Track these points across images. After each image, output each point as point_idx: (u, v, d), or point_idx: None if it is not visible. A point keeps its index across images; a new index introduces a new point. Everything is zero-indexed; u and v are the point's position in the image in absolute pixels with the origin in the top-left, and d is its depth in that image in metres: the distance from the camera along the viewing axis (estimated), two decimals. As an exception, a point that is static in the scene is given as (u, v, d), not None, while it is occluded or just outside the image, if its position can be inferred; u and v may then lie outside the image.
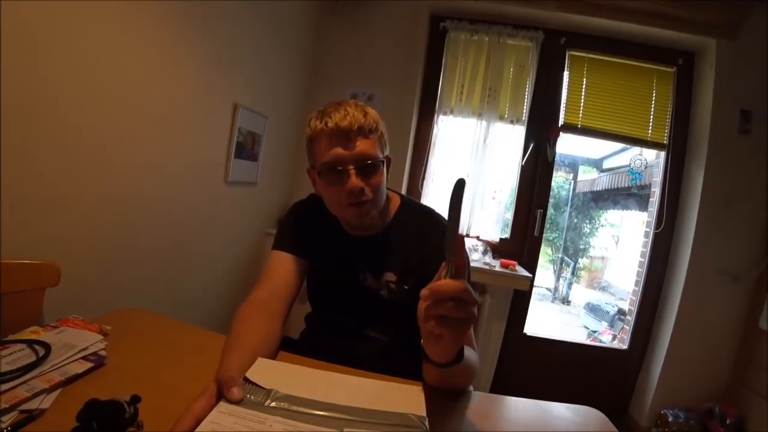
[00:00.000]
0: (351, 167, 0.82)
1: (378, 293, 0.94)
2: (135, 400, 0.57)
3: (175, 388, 0.67)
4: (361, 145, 0.82)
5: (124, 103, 1.22)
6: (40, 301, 0.92)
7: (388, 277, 0.93)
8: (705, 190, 2.08)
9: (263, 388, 0.55)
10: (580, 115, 2.34)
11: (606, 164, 4.01)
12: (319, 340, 1.00)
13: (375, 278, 0.94)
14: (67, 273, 0.97)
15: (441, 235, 0.89)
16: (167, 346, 0.82)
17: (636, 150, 2.42)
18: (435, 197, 2.36)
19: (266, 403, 0.52)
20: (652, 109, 2.30)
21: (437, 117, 2.43)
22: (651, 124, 2.29)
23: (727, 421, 1.98)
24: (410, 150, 2.44)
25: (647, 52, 2.29)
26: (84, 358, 0.67)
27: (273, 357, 0.74)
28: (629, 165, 2.44)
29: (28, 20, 0.93)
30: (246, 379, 0.56)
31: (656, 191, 2.32)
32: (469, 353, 0.75)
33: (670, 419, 2.05)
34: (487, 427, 0.73)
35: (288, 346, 0.82)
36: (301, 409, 0.52)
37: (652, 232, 2.29)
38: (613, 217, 4.10)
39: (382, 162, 0.87)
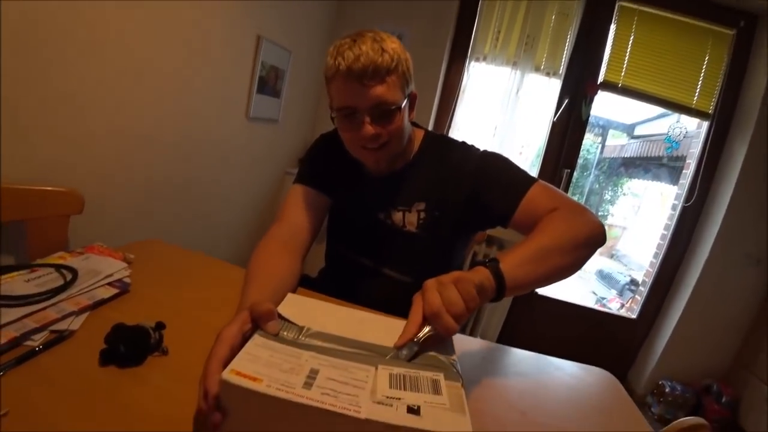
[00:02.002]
0: (366, 114, 0.76)
1: (403, 230, 0.90)
2: (160, 326, 0.58)
3: (197, 317, 0.69)
4: (377, 91, 0.75)
5: (145, 33, 1.18)
6: (65, 228, 0.94)
7: (418, 206, 0.89)
8: (745, 167, 1.97)
9: (296, 324, 0.55)
10: (622, 73, 2.18)
11: (638, 131, 3.82)
12: (338, 280, 1.00)
13: (401, 211, 0.90)
14: (91, 203, 0.98)
15: (465, 157, 0.87)
16: (189, 276, 0.84)
17: (673, 118, 2.27)
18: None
19: (299, 339, 0.52)
20: (702, 74, 2.13)
21: (469, 63, 2.30)
22: (698, 90, 2.13)
23: (723, 399, 2.01)
24: (437, 96, 2.33)
25: (706, 10, 2.07)
26: (109, 284, 0.69)
27: (292, 292, 0.73)
28: (666, 133, 2.30)
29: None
30: (279, 314, 0.56)
31: (692, 163, 2.21)
32: (532, 239, 0.69)
33: (666, 390, 2.09)
34: (502, 377, 0.75)
35: (306, 284, 0.82)
36: (334, 345, 0.52)
37: (680, 205, 2.21)
38: (637, 187, 3.96)
39: (401, 107, 0.79)
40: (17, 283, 0.61)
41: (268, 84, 1.85)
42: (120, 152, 1.19)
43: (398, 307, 0.84)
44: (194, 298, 0.75)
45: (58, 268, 0.67)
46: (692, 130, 2.25)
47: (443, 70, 2.29)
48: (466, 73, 2.31)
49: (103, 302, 0.65)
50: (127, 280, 0.71)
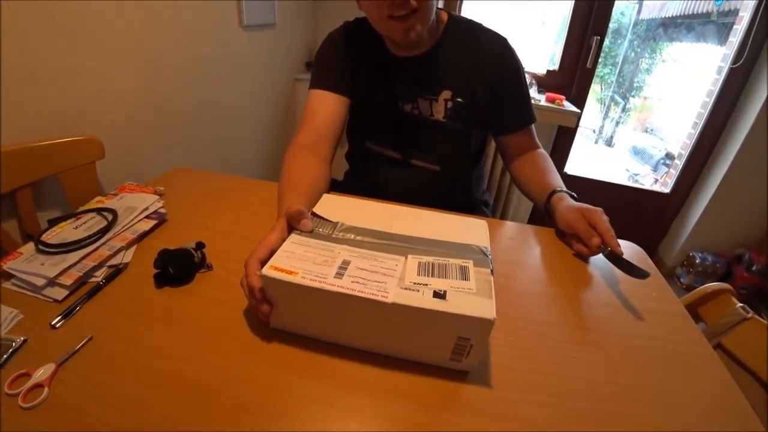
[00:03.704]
0: None
1: (428, 118, 0.91)
2: (200, 245, 0.64)
3: (233, 232, 0.74)
4: None
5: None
6: (94, 174, 0.98)
7: (444, 95, 0.89)
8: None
9: (330, 221, 0.58)
10: None
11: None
12: (366, 176, 1.02)
13: (428, 100, 0.90)
14: (111, 146, 1.00)
15: (491, 50, 0.88)
16: (219, 197, 0.88)
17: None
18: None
19: (333, 234, 0.55)
20: None
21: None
22: None
23: (754, 267, 2.00)
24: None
25: None
26: (147, 217, 0.73)
27: (323, 192, 0.76)
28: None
29: None
30: (313, 214, 0.59)
31: (745, 16, 1.93)
32: (556, 175, 0.89)
33: (697, 260, 2.11)
34: (527, 252, 0.79)
35: (333, 188, 0.84)
36: (367, 238, 0.55)
37: (727, 67, 1.99)
38: (678, 52, 3.55)
39: None
40: (68, 231, 0.66)
41: (259, -16, 1.69)
42: (124, 89, 1.16)
43: (428, 195, 0.87)
44: (227, 216, 0.80)
45: (99, 211, 0.72)
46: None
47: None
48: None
49: (145, 234, 0.70)
50: (162, 210, 0.76)
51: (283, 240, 0.53)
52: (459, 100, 0.88)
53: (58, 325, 0.51)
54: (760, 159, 1.94)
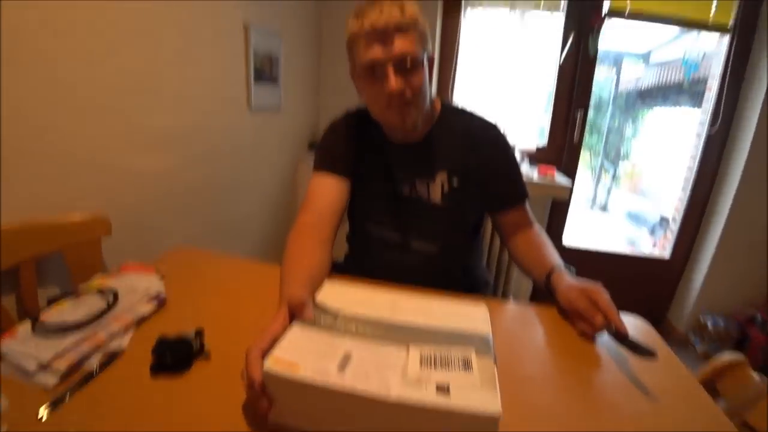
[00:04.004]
0: (389, 67, 0.79)
1: (426, 201, 0.95)
2: (199, 333, 0.62)
3: (233, 318, 0.73)
4: (399, 44, 0.78)
5: (135, 41, 1.18)
6: (99, 251, 1.00)
7: (440, 177, 0.93)
8: (772, 81, 1.84)
9: (332, 310, 0.58)
10: (630, -2, 2.04)
11: (654, 57, 3.60)
12: (365, 258, 1.04)
13: (425, 183, 0.94)
14: (117, 222, 1.02)
15: (483, 128, 0.95)
16: (220, 279, 0.88)
17: (690, 39, 2.13)
18: (465, 101, 2.23)
19: (335, 325, 0.55)
20: (717, -15, 1.97)
21: (464, 11, 2.20)
22: (714, 2, 1.97)
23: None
24: (437, 51, 2.24)
25: None
26: (148, 299, 0.73)
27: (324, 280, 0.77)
28: (683, 56, 2.17)
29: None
30: (315, 303, 0.60)
31: (714, 84, 2.09)
32: (554, 252, 0.92)
33: (709, 325, 2.05)
34: (531, 334, 0.77)
35: (334, 269, 0.84)
36: (369, 328, 0.55)
37: (705, 132, 2.11)
38: (659, 118, 3.78)
39: (422, 62, 0.83)
40: (67, 311, 0.65)
41: (264, 72, 1.83)
42: (132, 166, 1.22)
43: (428, 277, 0.87)
44: (227, 300, 0.79)
45: (100, 291, 0.72)
46: (711, 50, 2.11)
47: (439, 24, 2.20)
48: (463, 21, 2.20)
49: (144, 318, 0.70)
50: (163, 293, 0.76)
51: (285, 329, 0.53)
52: (455, 182, 0.93)
53: (44, 419, 0.49)
54: (753, 217, 1.98)
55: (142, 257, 0.90)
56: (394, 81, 0.79)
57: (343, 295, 0.63)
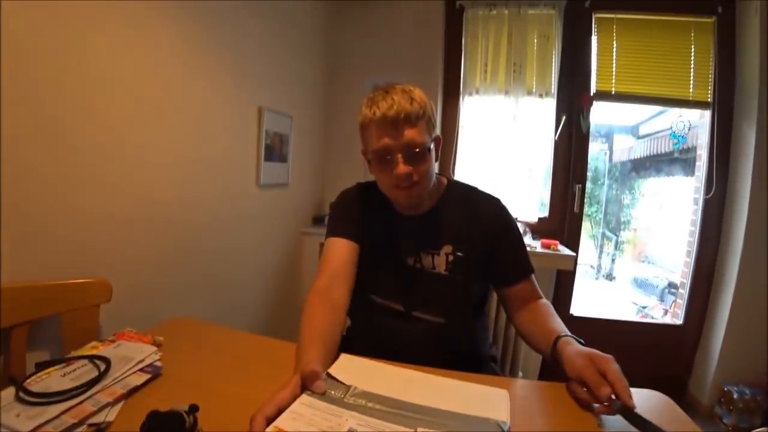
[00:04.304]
0: (399, 155, 0.85)
1: (430, 272, 0.96)
2: (193, 409, 0.58)
3: (229, 394, 0.69)
4: (408, 134, 0.85)
5: (154, 118, 1.26)
6: (96, 317, 0.97)
7: (446, 249, 0.96)
8: (758, 149, 1.92)
9: (344, 383, 0.58)
10: (613, 81, 2.21)
11: (643, 130, 3.80)
12: (370, 330, 1.02)
13: (430, 254, 0.96)
14: (116, 286, 1.01)
15: (487, 203, 0.99)
16: (217, 353, 0.85)
17: (676, 112, 2.26)
18: (467, 177, 2.31)
19: (345, 399, 0.54)
20: (693, 66, 2.14)
21: (462, 99, 2.37)
22: (692, 81, 2.14)
23: None
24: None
25: (681, 3, 2.12)
26: (141, 369, 0.70)
27: (339, 345, 0.76)
28: (670, 128, 2.28)
29: (61, 40, 0.96)
30: (328, 375, 0.59)
31: (703, 154, 2.17)
32: (560, 322, 0.86)
33: (735, 396, 1.93)
34: (542, 415, 0.71)
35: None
36: (378, 406, 0.53)
37: (701, 198, 2.15)
38: (655, 186, 3.88)
39: (429, 149, 0.89)
40: (54, 379, 0.62)
41: (275, 150, 1.93)
42: (139, 231, 1.24)
43: (432, 348, 0.84)
44: (225, 374, 0.75)
45: (91, 359, 0.69)
46: (696, 120, 2.23)
47: (439, 111, 2.37)
48: (461, 108, 2.37)
49: (136, 389, 0.66)
50: (158, 363, 0.72)
51: (294, 398, 0.52)
52: (459, 254, 0.95)
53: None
54: (762, 280, 1.94)
55: (140, 325, 0.88)
56: (402, 167, 0.85)
57: (358, 369, 0.62)
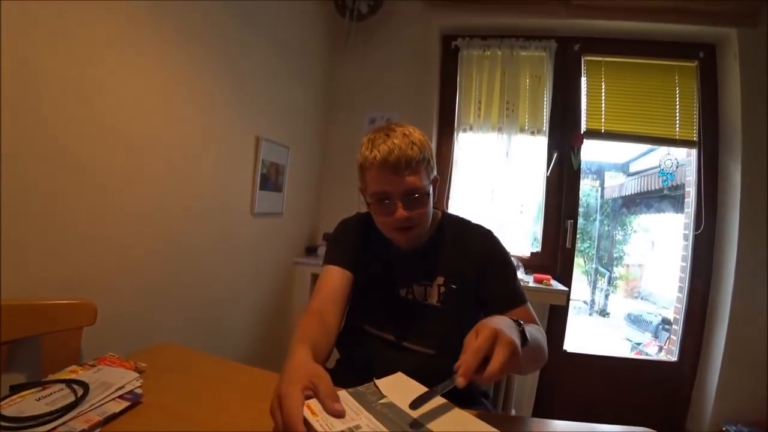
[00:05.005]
0: (398, 200, 0.87)
1: (422, 303, 0.97)
2: (172, 437, 0.56)
3: (210, 424, 0.66)
4: (408, 179, 0.86)
5: (152, 142, 1.27)
6: (78, 340, 0.95)
7: (438, 281, 0.97)
8: (744, 185, 1.97)
9: (380, 392, 0.62)
10: (603, 120, 2.29)
11: (633, 167, 3.89)
12: (359, 358, 1.02)
13: (423, 286, 0.98)
14: (102, 310, 0.99)
15: (477, 240, 0.98)
16: (202, 381, 0.82)
17: (664, 150, 2.33)
18: (460, 211, 2.32)
19: (373, 403, 0.59)
20: (678, 106, 2.22)
21: (457, 135, 2.43)
22: (678, 121, 2.21)
23: None
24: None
25: (665, 48, 2.24)
26: (121, 396, 0.67)
27: (325, 363, 0.79)
28: (659, 166, 2.34)
29: (63, 59, 0.98)
30: (375, 383, 0.65)
31: (691, 191, 2.22)
32: (533, 330, 0.78)
33: (733, 435, 1.89)
34: None
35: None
36: (394, 417, 0.56)
37: (691, 234, 2.18)
38: (646, 222, 3.94)
39: (428, 193, 0.91)
40: (28, 403, 0.60)
41: (270, 180, 1.94)
42: (130, 256, 1.22)
43: (422, 380, 0.81)
44: (208, 404, 0.73)
45: (69, 383, 0.66)
46: (683, 159, 2.30)
47: (434, 145, 2.41)
48: (455, 144, 2.43)
49: (114, 416, 0.63)
50: (139, 390, 0.70)
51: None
52: (452, 285, 0.96)
53: None
54: (755, 314, 1.95)
55: (126, 350, 0.85)
56: (401, 212, 0.87)
57: (404, 389, 0.64)
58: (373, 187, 0.89)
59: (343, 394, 0.59)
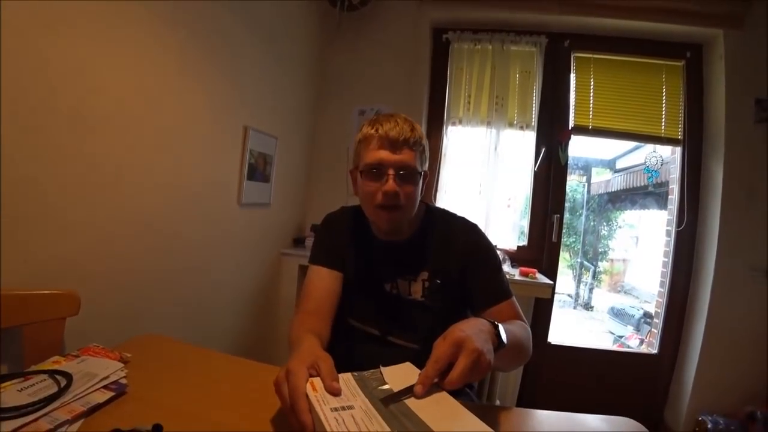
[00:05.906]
0: (391, 171, 0.88)
1: (406, 298, 0.98)
2: (157, 429, 0.56)
3: (196, 415, 0.66)
4: (405, 155, 0.89)
5: (138, 131, 1.25)
6: (61, 331, 0.93)
7: (423, 276, 0.98)
8: (726, 184, 2.02)
9: (383, 379, 0.63)
10: (590, 116, 2.31)
11: (619, 164, 3.95)
12: (343, 352, 0.99)
13: (409, 281, 0.98)
14: (86, 300, 0.98)
15: (461, 234, 0.99)
16: (187, 372, 0.82)
17: (650, 147, 2.37)
18: (447, 204, 2.34)
19: (372, 388, 0.60)
20: (664, 105, 2.26)
21: (446, 128, 2.43)
22: (664, 119, 2.25)
23: None
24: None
25: (653, 47, 2.27)
26: (105, 387, 0.67)
27: None
28: (644, 163, 2.38)
29: (45, 52, 0.96)
30: (381, 370, 0.65)
31: (675, 188, 2.27)
32: (514, 329, 0.79)
33: (709, 426, 1.95)
34: None
35: None
36: (390, 405, 0.56)
37: (674, 230, 2.23)
38: (631, 218, 4.01)
39: (420, 174, 0.93)
40: (9, 393, 0.59)
41: (258, 170, 1.92)
42: (115, 246, 1.20)
43: None
44: (193, 395, 0.72)
45: (52, 374, 0.66)
46: (668, 156, 2.34)
47: (423, 137, 2.42)
48: (444, 137, 2.43)
49: (98, 407, 0.63)
50: (123, 381, 0.69)
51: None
52: (436, 280, 0.97)
53: None
54: (733, 311, 2.01)
55: (110, 342, 0.84)
56: (391, 184, 0.88)
57: (407, 377, 0.63)
58: (368, 158, 0.90)
59: (347, 376, 0.62)
